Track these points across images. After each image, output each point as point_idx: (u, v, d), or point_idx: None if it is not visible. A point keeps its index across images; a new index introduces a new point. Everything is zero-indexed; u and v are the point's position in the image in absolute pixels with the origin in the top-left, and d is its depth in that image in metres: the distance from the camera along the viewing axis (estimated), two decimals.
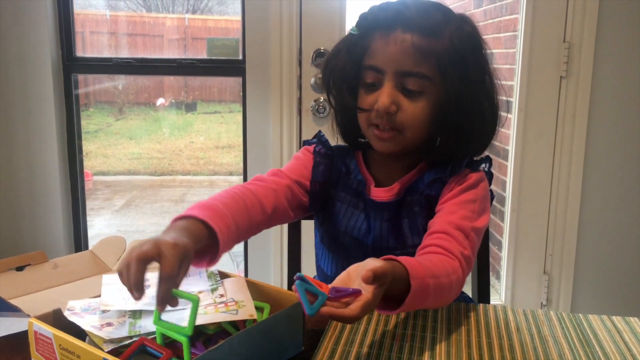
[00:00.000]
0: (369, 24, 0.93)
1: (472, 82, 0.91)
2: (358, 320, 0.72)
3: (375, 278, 0.67)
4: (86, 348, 0.65)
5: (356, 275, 0.72)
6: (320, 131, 1.06)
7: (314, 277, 0.71)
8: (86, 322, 0.73)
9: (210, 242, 0.77)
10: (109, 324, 0.73)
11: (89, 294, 0.82)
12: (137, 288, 0.65)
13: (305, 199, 1.00)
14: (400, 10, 0.90)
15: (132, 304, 0.75)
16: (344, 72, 0.96)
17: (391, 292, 0.73)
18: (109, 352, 0.66)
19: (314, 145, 1.04)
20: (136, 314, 0.76)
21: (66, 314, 0.75)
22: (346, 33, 0.99)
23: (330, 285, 0.70)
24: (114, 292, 0.80)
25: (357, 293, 0.69)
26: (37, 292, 0.85)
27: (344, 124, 1.02)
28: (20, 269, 0.88)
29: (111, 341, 0.69)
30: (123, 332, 0.71)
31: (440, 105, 0.91)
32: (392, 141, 0.94)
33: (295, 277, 0.68)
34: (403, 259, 0.77)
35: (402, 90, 0.91)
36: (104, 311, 0.76)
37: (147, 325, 0.73)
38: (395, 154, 0.97)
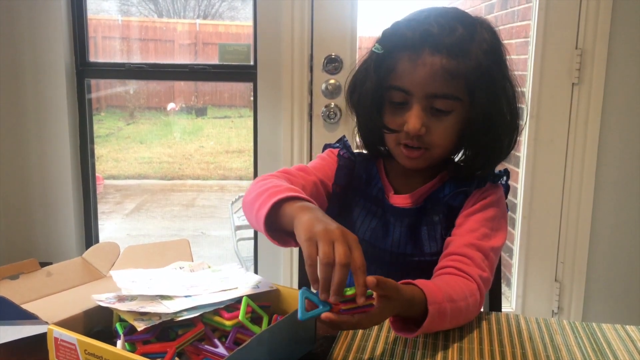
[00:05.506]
0: (395, 43, 0.90)
1: (497, 96, 0.89)
2: (360, 329, 0.73)
3: (379, 283, 0.68)
4: (115, 351, 0.64)
5: None
6: (344, 136, 1.07)
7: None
8: (124, 306, 0.73)
9: None
10: (142, 308, 0.73)
11: (87, 301, 0.80)
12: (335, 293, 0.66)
13: (325, 199, 1.01)
14: (427, 30, 0.87)
15: (150, 290, 0.77)
16: (372, 92, 0.93)
17: (410, 315, 0.75)
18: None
19: (338, 149, 1.05)
20: (165, 297, 0.76)
21: (101, 304, 0.74)
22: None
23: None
24: (129, 285, 0.80)
25: (369, 307, 0.70)
26: (35, 300, 0.84)
27: (366, 137, 1.02)
28: (13, 277, 0.87)
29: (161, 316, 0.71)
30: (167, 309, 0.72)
31: (468, 121, 0.91)
32: (421, 158, 0.94)
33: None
34: (421, 283, 0.78)
35: (430, 110, 0.90)
36: (131, 299, 0.76)
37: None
38: (422, 169, 0.98)
